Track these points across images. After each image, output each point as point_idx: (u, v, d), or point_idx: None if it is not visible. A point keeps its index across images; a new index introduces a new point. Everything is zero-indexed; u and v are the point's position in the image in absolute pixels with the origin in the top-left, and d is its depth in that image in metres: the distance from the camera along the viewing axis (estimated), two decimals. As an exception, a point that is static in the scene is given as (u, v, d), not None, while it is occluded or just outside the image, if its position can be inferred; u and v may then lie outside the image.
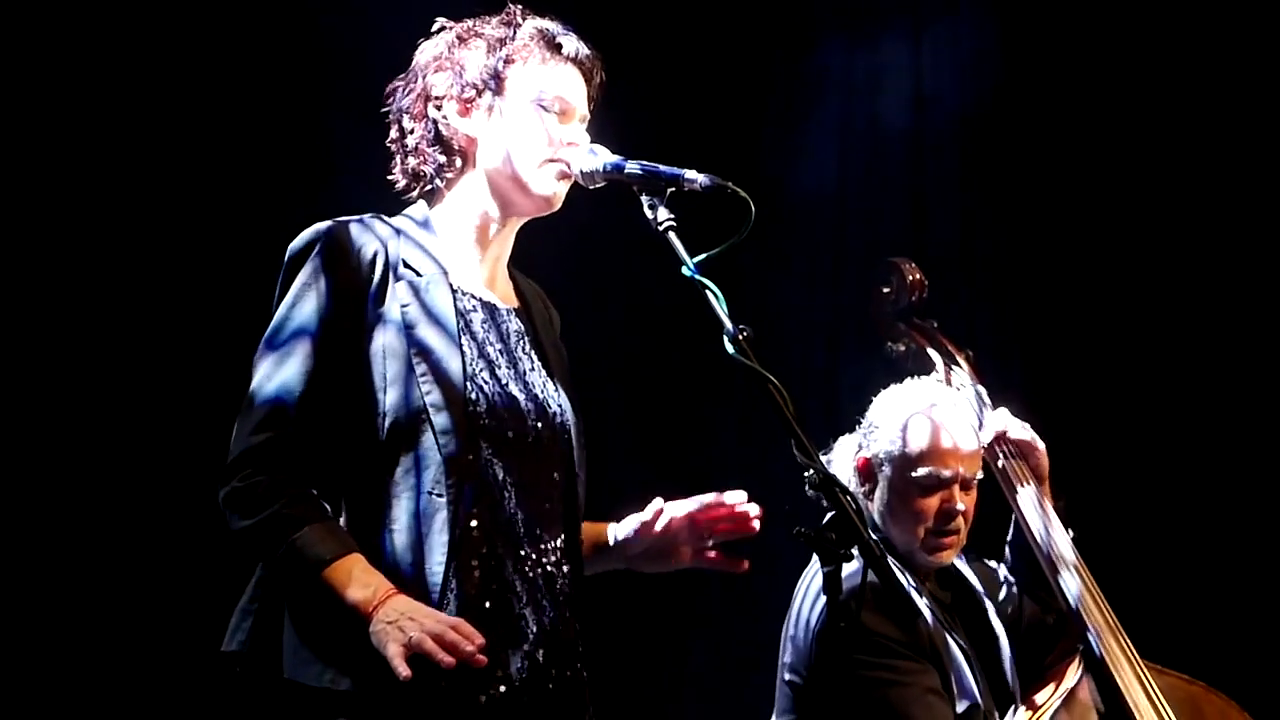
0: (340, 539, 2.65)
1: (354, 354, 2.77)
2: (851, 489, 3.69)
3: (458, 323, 2.82)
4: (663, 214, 2.73)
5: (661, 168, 2.77)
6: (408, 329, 2.78)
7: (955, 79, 5.41)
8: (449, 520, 2.70)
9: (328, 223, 2.85)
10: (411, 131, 2.93)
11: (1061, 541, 3.74)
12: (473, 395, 2.78)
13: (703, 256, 2.68)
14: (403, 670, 2.54)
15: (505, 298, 2.98)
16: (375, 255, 2.82)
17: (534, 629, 2.77)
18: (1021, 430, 3.80)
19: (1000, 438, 3.78)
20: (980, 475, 3.70)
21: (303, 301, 2.77)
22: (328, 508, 2.69)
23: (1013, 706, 3.62)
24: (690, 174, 2.74)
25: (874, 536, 2.51)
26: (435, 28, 2.98)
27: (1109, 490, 5.05)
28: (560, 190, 2.91)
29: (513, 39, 2.92)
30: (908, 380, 3.81)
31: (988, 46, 5.39)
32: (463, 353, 2.80)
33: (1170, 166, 5.27)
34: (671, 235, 2.72)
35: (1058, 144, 5.35)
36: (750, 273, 5.02)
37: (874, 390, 3.80)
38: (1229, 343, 5.23)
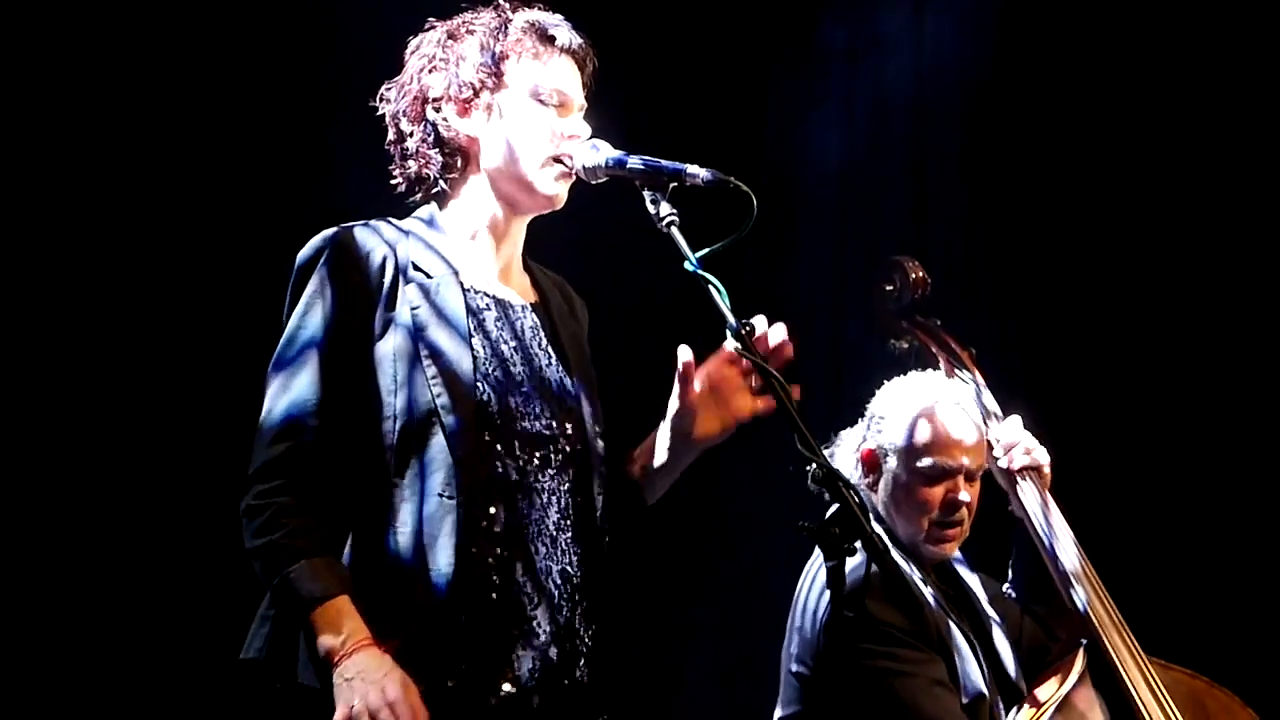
0: (332, 577, 2.63)
1: (365, 358, 2.77)
2: (855, 480, 3.72)
3: (469, 322, 2.82)
4: (665, 209, 2.73)
5: (664, 163, 2.77)
6: (418, 331, 2.78)
7: (956, 64, 5.41)
8: (458, 523, 2.69)
9: (334, 229, 2.85)
10: (410, 134, 2.92)
11: (1065, 537, 3.74)
12: (484, 395, 2.78)
13: (705, 251, 2.68)
14: None
15: (521, 293, 2.96)
16: (384, 259, 2.82)
17: (548, 629, 2.76)
18: (1031, 443, 3.80)
19: (1009, 449, 3.79)
20: (985, 467, 3.71)
21: (313, 311, 2.78)
22: (330, 536, 2.68)
23: (1019, 700, 3.62)
24: (692, 169, 2.74)
25: (878, 530, 2.50)
26: (426, 27, 2.96)
27: (1112, 486, 5.05)
28: (563, 189, 2.91)
29: (505, 34, 2.90)
30: (912, 373, 3.82)
31: (988, 28, 5.38)
32: (474, 353, 2.80)
33: (1173, 159, 5.27)
34: (674, 230, 2.72)
35: (1059, 133, 5.34)
36: (751, 265, 5.02)
37: (877, 382, 3.81)
38: (1231, 337, 5.23)
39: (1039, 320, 5.36)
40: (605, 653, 2.82)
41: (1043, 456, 3.80)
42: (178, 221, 4.54)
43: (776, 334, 2.75)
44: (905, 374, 3.81)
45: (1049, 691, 3.59)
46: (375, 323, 2.78)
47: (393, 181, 2.97)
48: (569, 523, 2.83)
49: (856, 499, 2.49)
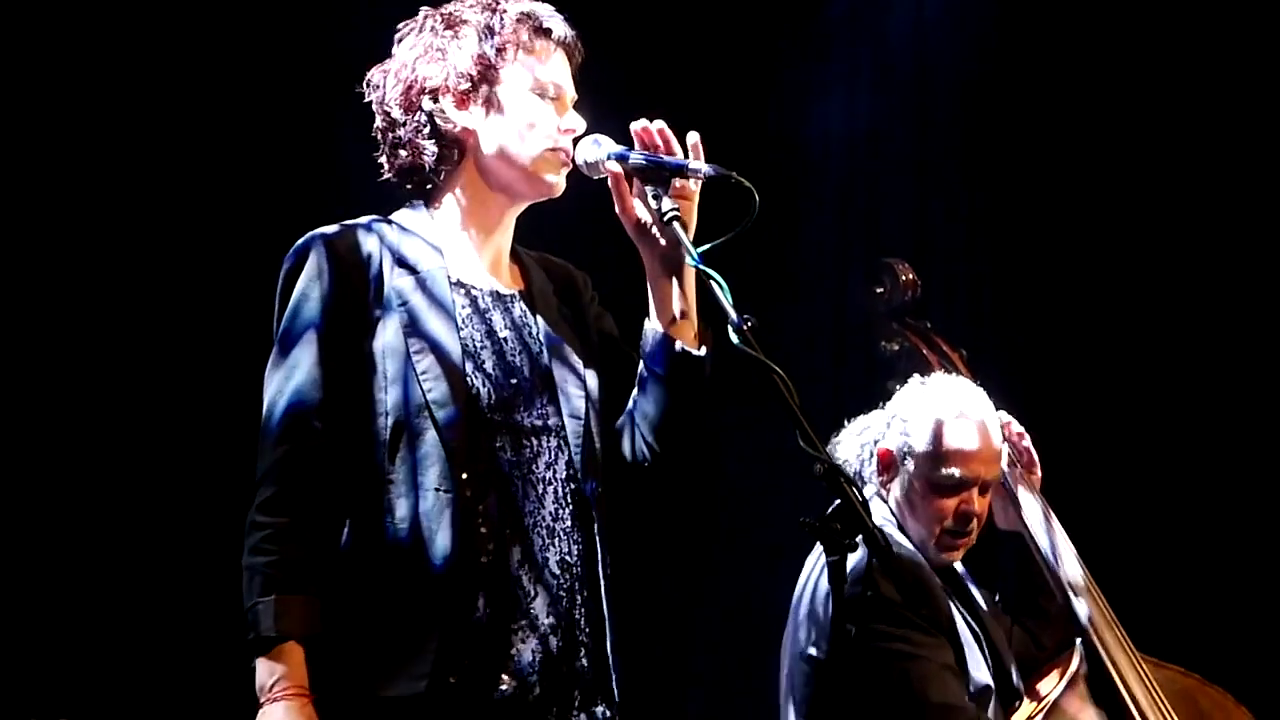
0: (293, 620, 2.65)
1: (356, 355, 2.76)
2: (866, 472, 3.71)
3: (459, 315, 2.81)
4: (666, 204, 2.73)
5: (665, 157, 2.77)
6: (407, 325, 2.77)
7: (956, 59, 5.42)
8: (454, 516, 2.69)
9: (320, 229, 2.84)
10: (403, 124, 2.88)
11: (1057, 535, 3.75)
12: (476, 388, 2.77)
13: (707, 246, 2.68)
14: None
15: (510, 283, 2.95)
16: (371, 255, 2.81)
17: (548, 621, 2.75)
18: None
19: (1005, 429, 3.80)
20: (1000, 478, 3.72)
21: (303, 311, 2.77)
22: (318, 560, 2.69)
23: (1017, 700, 3.63)
24: (694, 164, 2.74)
25: (879, 527, 2.50)
26: (421, 16, 2.93)
27: (1105, 486, 5.06)
28: (562, 178, 2.89)
29: (501, 26, 2.87)
30: (936, 374, 3.82)
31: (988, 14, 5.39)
32: (464, 345, 2.79)
33: (1172, 157, 5.27)
34: (675, 225, 2.72)
35: (1057, 132, 5.34)
36: (753, 257, 5.03)
37: (877, 377, 3.81)
38: (1227, 337, 5.24)
39: (1030, 321, 5.36)
40: (606, 641, 2.80)
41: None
42: (177, 222, 4.53)
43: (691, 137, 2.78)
44: (928, 375, 3.81)
45: (1049, 686, 3.60)
46: (365, 318, 2.77)
47: (381, 171, 2.94)
48: (567, 512, 2.82)
49: (859, 496, 2.48)
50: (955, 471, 3.63)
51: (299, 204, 4.30)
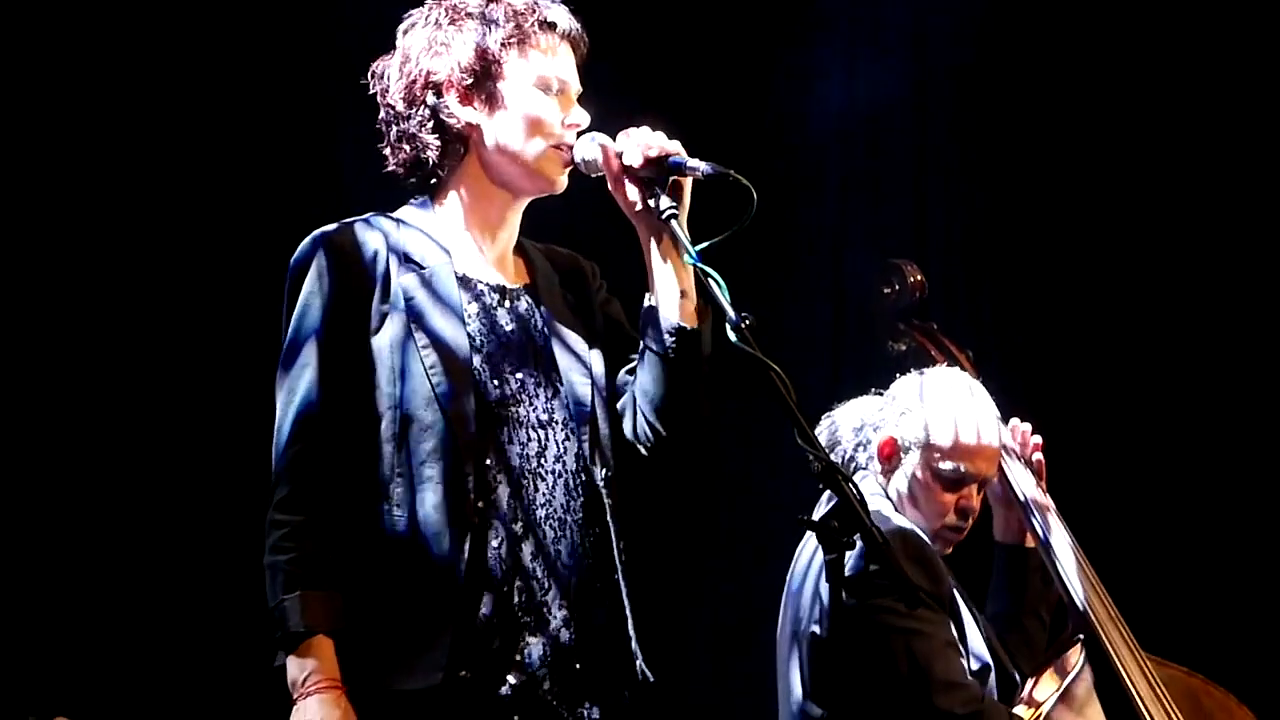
0: (320, 615, 2.67)
1: (363, 351, 2.77)
2: (861, 459, 3.70)
3: (465, 309, 2.82)
4: (665, 202, 2.73)
5: (667, 157, 2.75)
6: (414, 321, 2.77)
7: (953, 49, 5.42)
8: (463, 511, 2.70)
9: (324, 228, 2.85)
10: (407, 117, 2.88)
11: (1061, 534, 3.75)
12: (483, 381, 2.78)
13: (705, 245, 2.68)
14: None
15: (515, 277, 2.95)
16: (377, 251, 2.82)
17: (560, 614, 2.76)
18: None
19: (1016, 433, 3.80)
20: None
21: (310, 311, 2.78)
22: (337, 557, 2.70)
23: (1018, 689, 3.62)
24: (692, 161, 2.73)
25: (877, 525, 2.49)
26: (425, 9, 2.92)
27: (1111, 485, 5.06)
28: (565, 176, 2.89)
29: (505, 19, 2.86)
30: (940, 367, 3.81)
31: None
32: (471, 339, 2.80)
33: (1171, 155, 5.27)
34: (673, 223, 2.72)
35: (1056, 130, 5.34)
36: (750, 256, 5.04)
37: (876, 373, 3.81)
38: (1227, 337, 5.23)
39: (1035, 321, 5.36)
40: (628, 626, 2.80)
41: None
42: (177, 222, 4.54)
43: None
44: (927, 367, 3.81)
45: (1046, 690, 3.59)
46: (372, 315, 2.78)
47: (386, 165, 2.93)
48: (578, 503, 2.82)
49: (856, 492, 2.48)
50: (962, 466, 3.63)
51: (299, 202, 4.31)
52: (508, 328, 2.86)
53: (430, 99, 2.86)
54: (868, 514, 2.47)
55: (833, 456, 3.46)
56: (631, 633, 2.80)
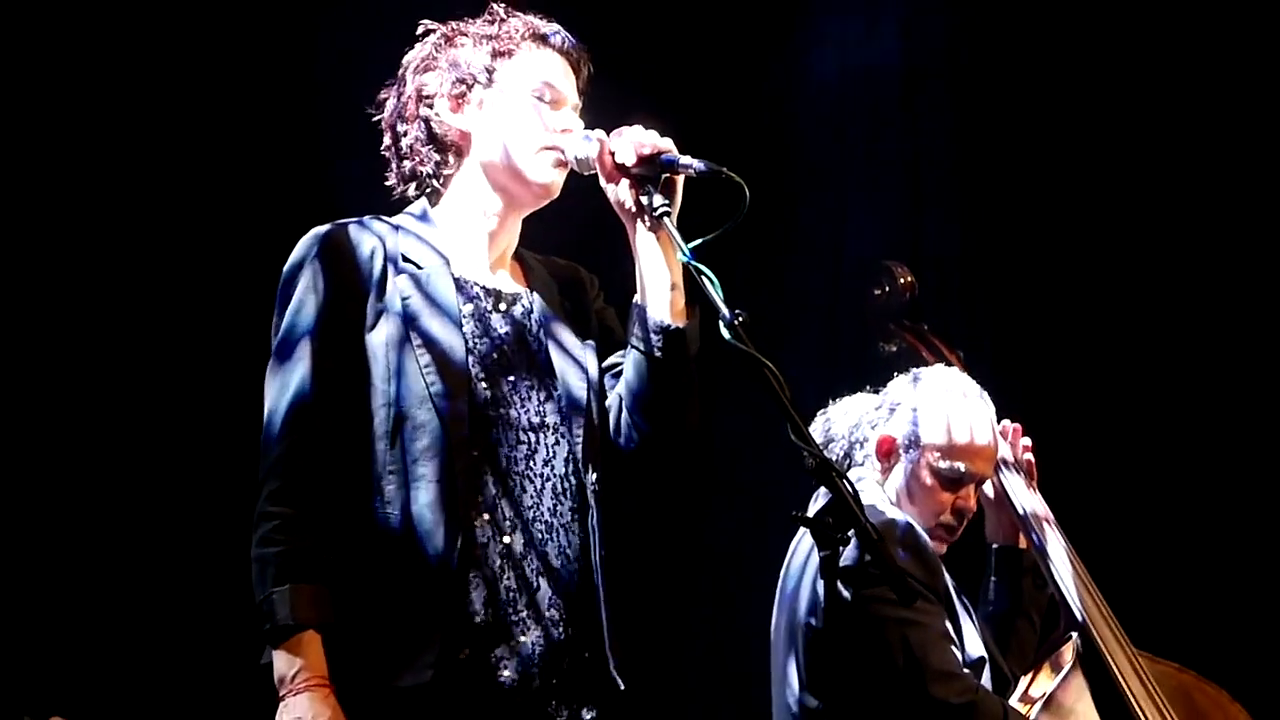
0: (309, 609, 2.65)
1: (358, 348, 2.78)
2: (858, 456, 3.71)
3: (461, 312, 2.83)
4: (658, 200, 2.74)
5: (661, 155, 2.76)
6: (410, 321, 2.79)
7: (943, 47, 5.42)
8: (455, 509, 2.71)
9: (322, 227, 2.86)
10: (405, 134, 2.93)
11: (1053, 532, 3.76)
12: (478, 383, 2.80)
13: (698, 242, 2.68)
14: None
15: (513, 284, 2.97)
16: (373, 252, 2.84)
17: (551, 612, 2.77)
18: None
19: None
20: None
21: (304, 307, 2.79)
22: (327, 550, 2.69)
23: (1010, 686, 3.63)
24: (685, 159, 2.74)
25: (871, 522, 2.50)
26: (420, 31, 2.98)
27: (1102, 483, 5.06)
28: (558, 178, 2.91)
29: (500, 34, 2.92)
30: (938, 367, 3.82)
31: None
32: (466, 341, 2.81)
33: (1169, 154, 5.27)
34: (667, 221, 2.73)
35: (1053, 130, 5.35)
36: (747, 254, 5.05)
37: (871, 371, 3.82)
38: (1222, 336, 5.24)
39: (1025, 321, 5.36)
40: (604, 632, 2.80)
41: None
42: (176, 222, 4.55)
43: None
44: (928, 365, 3.83)
45: (1040, 687, 3.60)
46: (367, 313, 2.80)
47: (388, 184, 2.98)
48: (566, 506, 2.83)
49: (850, 488, 2.49)
50: (962, 466, 3.64)
51: (295, 202, 4.31)
52: (502, 331, 2.88)
53: (423, 110, 2.92)
54: (862, 509, 2.48)
55: (827, 453, 3.49)
56: (606, 638, 2.81)
